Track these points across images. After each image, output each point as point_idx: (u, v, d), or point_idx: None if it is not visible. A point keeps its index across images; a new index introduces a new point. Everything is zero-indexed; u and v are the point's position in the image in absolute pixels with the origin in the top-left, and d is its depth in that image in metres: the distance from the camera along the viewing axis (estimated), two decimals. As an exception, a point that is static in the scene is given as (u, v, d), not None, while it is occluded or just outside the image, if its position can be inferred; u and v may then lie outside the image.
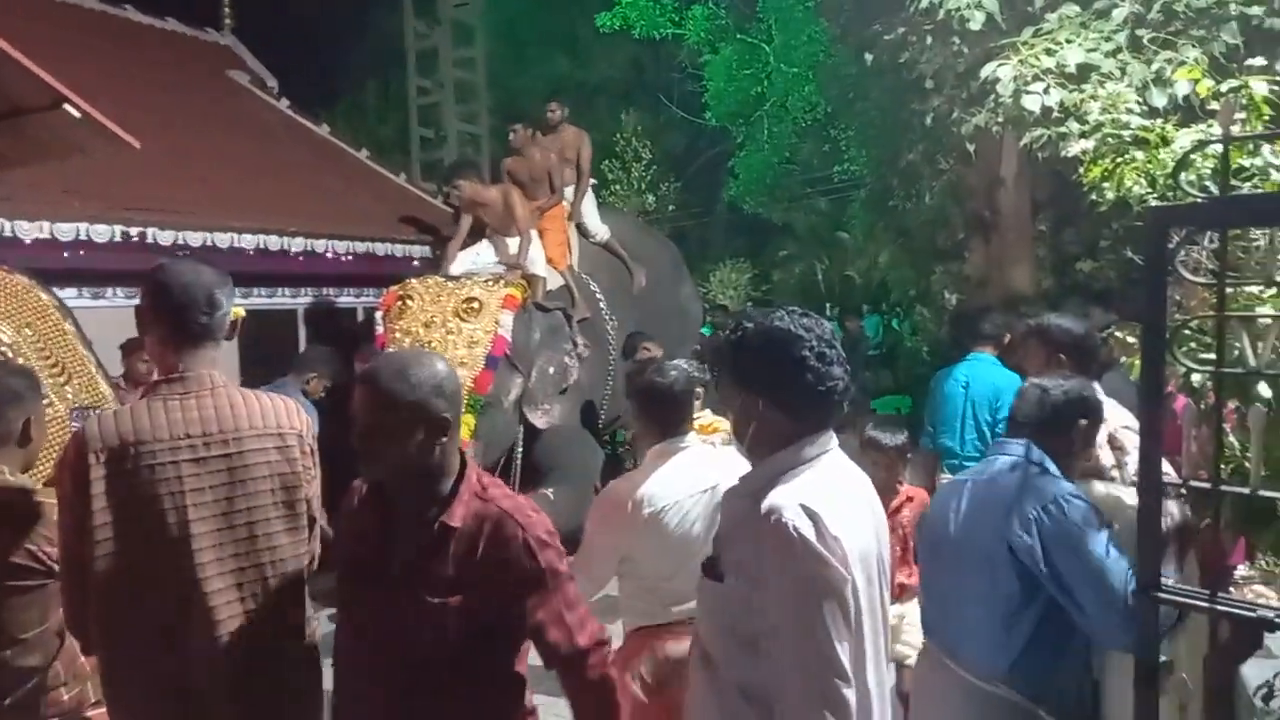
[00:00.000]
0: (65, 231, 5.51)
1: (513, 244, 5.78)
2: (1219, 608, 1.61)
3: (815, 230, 16.24)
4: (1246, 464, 2.02)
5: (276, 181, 7.96)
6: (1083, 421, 2.33)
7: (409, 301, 5.25)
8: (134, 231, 5.80)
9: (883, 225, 10.73)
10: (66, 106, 3.28)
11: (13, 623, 2.19)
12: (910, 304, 11.48)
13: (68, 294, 5.98)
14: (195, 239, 6.16)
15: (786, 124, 14.16)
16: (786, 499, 1.63)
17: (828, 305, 14.82)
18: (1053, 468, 2.23)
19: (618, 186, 17.06)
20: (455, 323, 5.14)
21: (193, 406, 1.94)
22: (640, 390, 2.66)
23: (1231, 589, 3.17)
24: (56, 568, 2.12)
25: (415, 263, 7.89)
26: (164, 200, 6.19)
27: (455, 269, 5.76)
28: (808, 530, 1.59)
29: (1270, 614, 1.57)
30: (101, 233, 5.65)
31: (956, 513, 2.33)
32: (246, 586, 1.95)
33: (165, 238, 5.97)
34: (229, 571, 1.92)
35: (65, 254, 5.57)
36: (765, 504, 1.64)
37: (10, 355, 3.37)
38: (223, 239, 6.36)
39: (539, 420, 5.39)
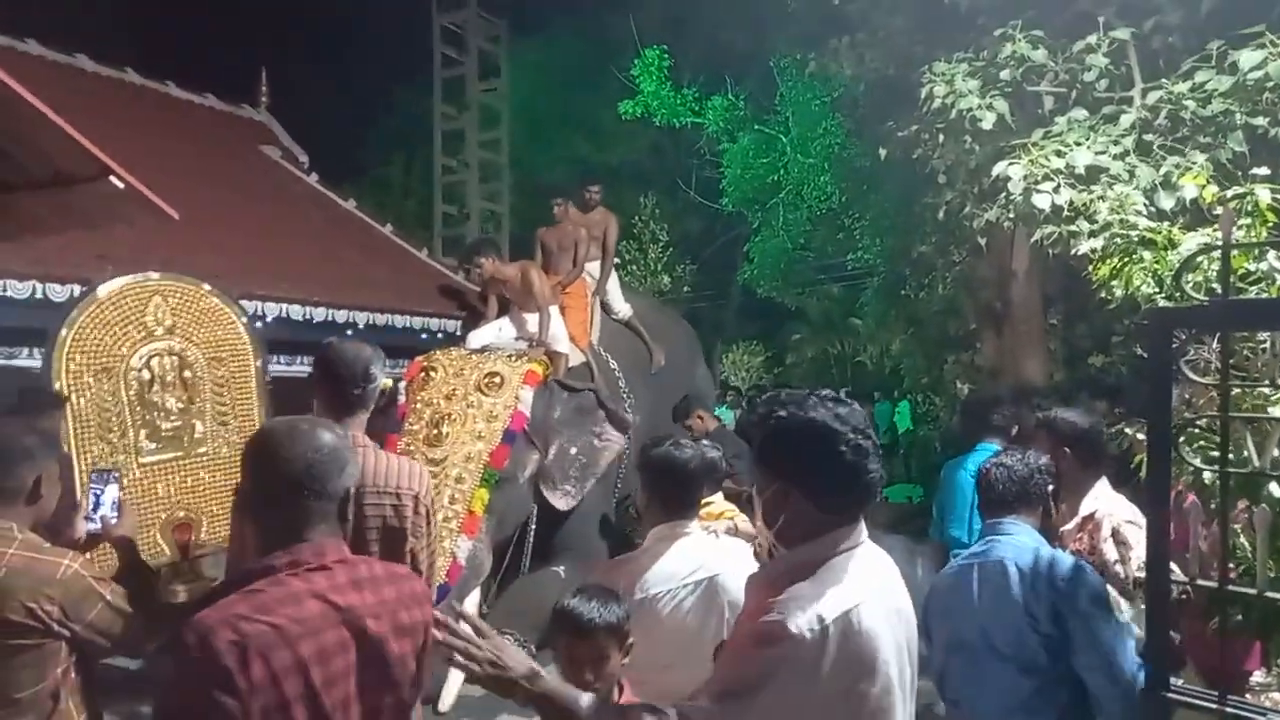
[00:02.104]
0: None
1: (532, 320, 5.89)
2: (1228, 710, 1.62)
3: (828, 316, 16.42)
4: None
5: (302, 252, 8.16)
6: (1051, 488, 2.44)
7: (432, 373, 5.31)
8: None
9: (895, 313, 10.85)
10: (111, 178, 3.42)
11: (9, 682, 2.16)
12: (922, 392, 11.53)
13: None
14: (221, 306, 6.28)
15: (801, 212, 14.43)
16: (802, 601, 1.56)
17: (841, 390, 14.86)
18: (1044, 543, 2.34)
19: (634, 267, 17.34)
20: (476, 396, 5.19)
21: None
22: (653, 464, 2.57)
23: (1247, 695, 3.13)
24: (56, 627, 2.15)
25: (436, 335, 8.02)
26: (193, 267, 6.33)
27: (477, 343, 5.85)
28: (810, 636, 1.52)
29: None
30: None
31: (974, 600, 2.38)
32: None
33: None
34: None
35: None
36: (780, 597, 1.58)
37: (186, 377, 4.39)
38: (247, 306, 6.49)
39: (559, 502, 5.34)
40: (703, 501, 3.05)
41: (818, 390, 1.79)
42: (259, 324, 6.50)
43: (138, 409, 4.75)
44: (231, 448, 5.08)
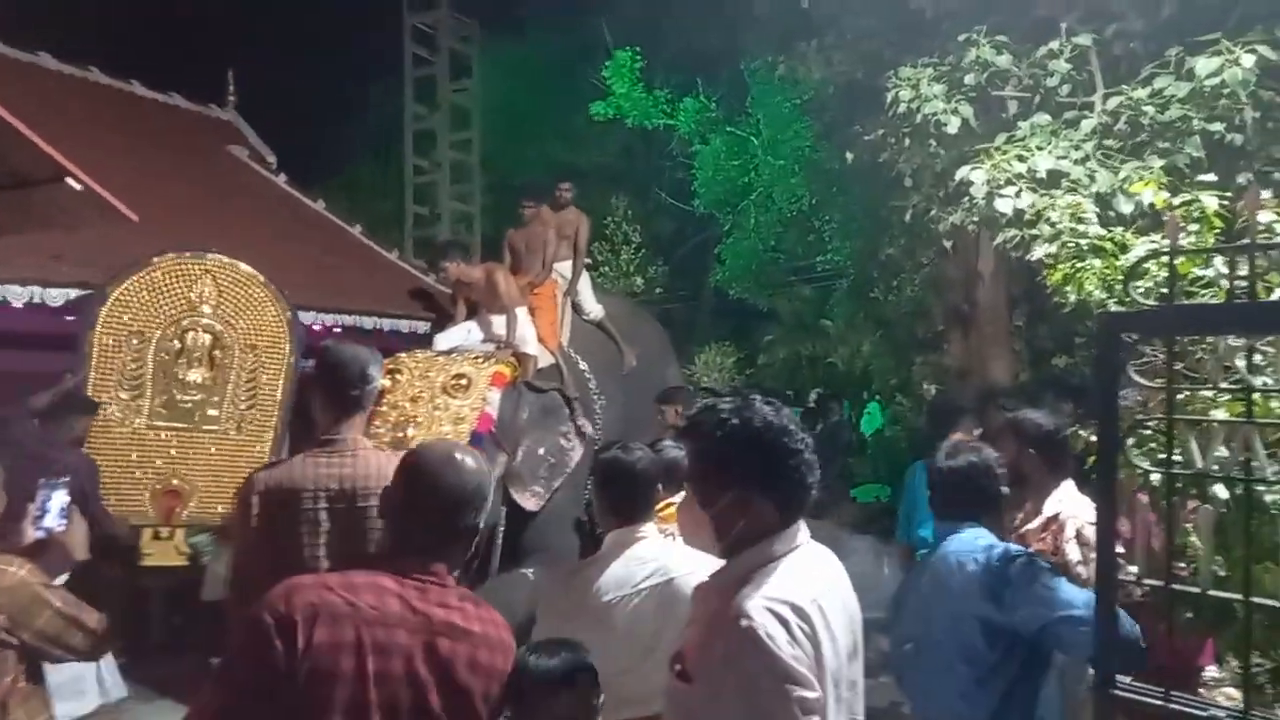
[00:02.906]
0: (54, 297, 5.56)
1: (499, 321, 5.87)
2: (1172, 706, 1.64)
3: (799, 317, 16.48)
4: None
5: (268, 253, 8.05)
6: (1003, 487, 2.53)
7: (398, 376, 5.28)
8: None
9: (863, 315, 10.93)
10: (69, 180, 3.37)
11: None
12: (891, 393, 11.62)
13: (58, 359, 6.05)
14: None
15: (772, 214, 14.48)
16: (757, 601, 1.58)
17: (812, 390, 14.93)
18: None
19: (607, 268, 17.32)
20: (443, 399, 5.16)
21: (336, 464, 2.36)
22: (602, 468, 2.54)
23: (1201, 690, 3.19)
24: (3, 635, 2.16)
25: (405, 337, 7.96)
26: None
27: (445, 344, 5.82)
28: (778, 635, 1.54)
29: (1222, 714, 1.61)
30: (91, 299, 5.69)
31: (923, 598, 2.43)
32: None
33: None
34: None
35: (54, 318, 5.62)
36: (735, 604, 1.59)
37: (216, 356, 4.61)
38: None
39: (528, 503, 5.32)
40: (665, 503, 3.03)
41: (747, 392, 1.81)
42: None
43: (160, 378, 5.04)
44: (243, 432, 5.28)
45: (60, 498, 2.63)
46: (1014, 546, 2.43)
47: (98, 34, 14.50)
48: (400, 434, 5.03)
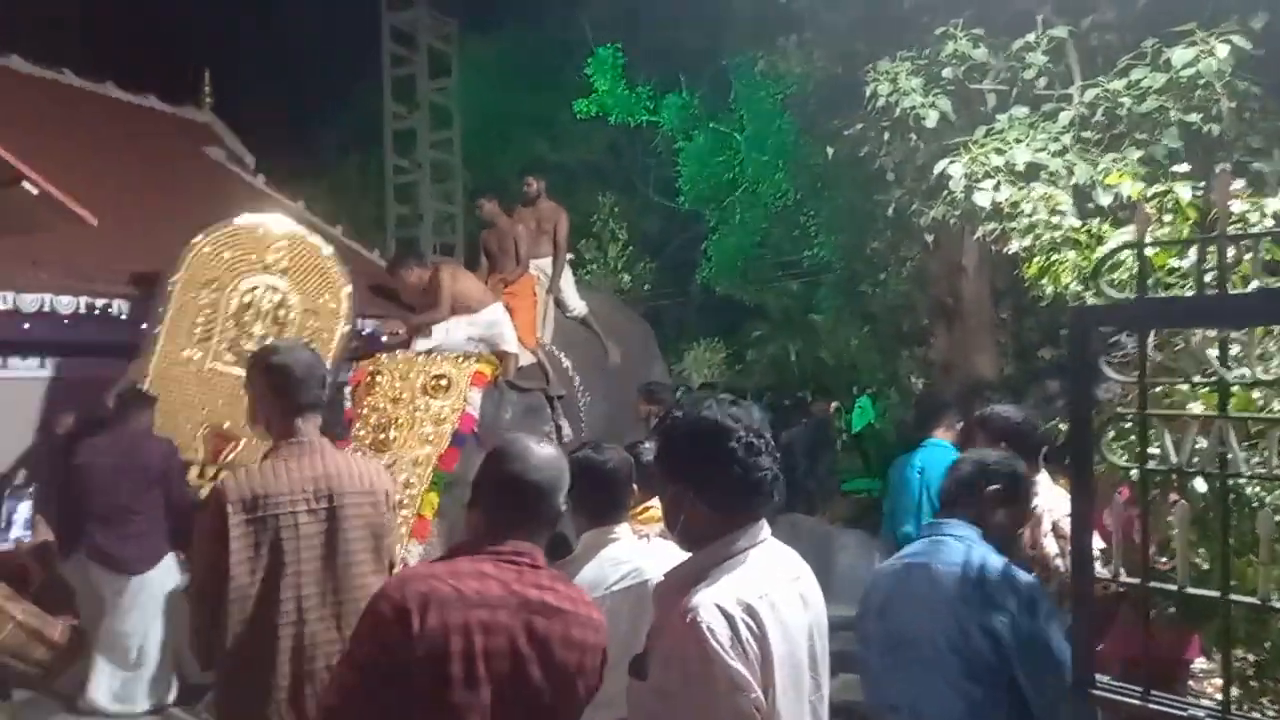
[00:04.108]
0: (29, 303, 5.48)
1: (453, 322, 5.66)
2: (1151, 706, 1.62)
3: (787, 313, 16.47)
4: (1194, 559, 2.06)
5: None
6: (994, 488, 2.41)
7: (378, 377, 5.24)
8: (98, 303, 5.78)
9: (850, 310, 10.92)
10: (25, 184, 3.31)
11: None
12: (880, 387, 11.62)
13: (29, 364, 5.98)
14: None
15: (758, 209, 14.46)
16: (706, 599, 1.61)
17: (802, 386, 14.93)
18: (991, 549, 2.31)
19: (595, 266, 17.27)
20: (423, 399, 5.13)
21: (307, 466, 2.35)
22: (573, 469, 2.54)
23: (1191, 683, 3.17)
24: None
25: (385, 338, 7.88)
26: (127, 271, 6.18)
27: (424, 345, 5.76)
28: (723, 634, 1.57)
29: (1201, 713, 1.58)
30: (66, 304, 5.62)
31: (907, 602, 2.36)
32: (342, 619, 2.31)
33: (130, 310, 5.94)
34: (329, 605, 2.32)
35: (28, 325, 5.55)
36: (685, 602, 1.62)
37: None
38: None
39: None
40: (644, 505, 2.99)
41: (718, 394, 1.88)
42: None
43: (230, 324, 5.54)
44: None
45: (25, 509, 2.59)
46: (993, 560, 2.33)
47: (71, 36, 14.37)
48: (382, 435, 4.99)
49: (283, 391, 2.41)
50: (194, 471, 5.21)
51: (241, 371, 5.16)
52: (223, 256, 5.60)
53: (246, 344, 5.50)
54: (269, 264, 5.69)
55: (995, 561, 2.27)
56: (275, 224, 5.94)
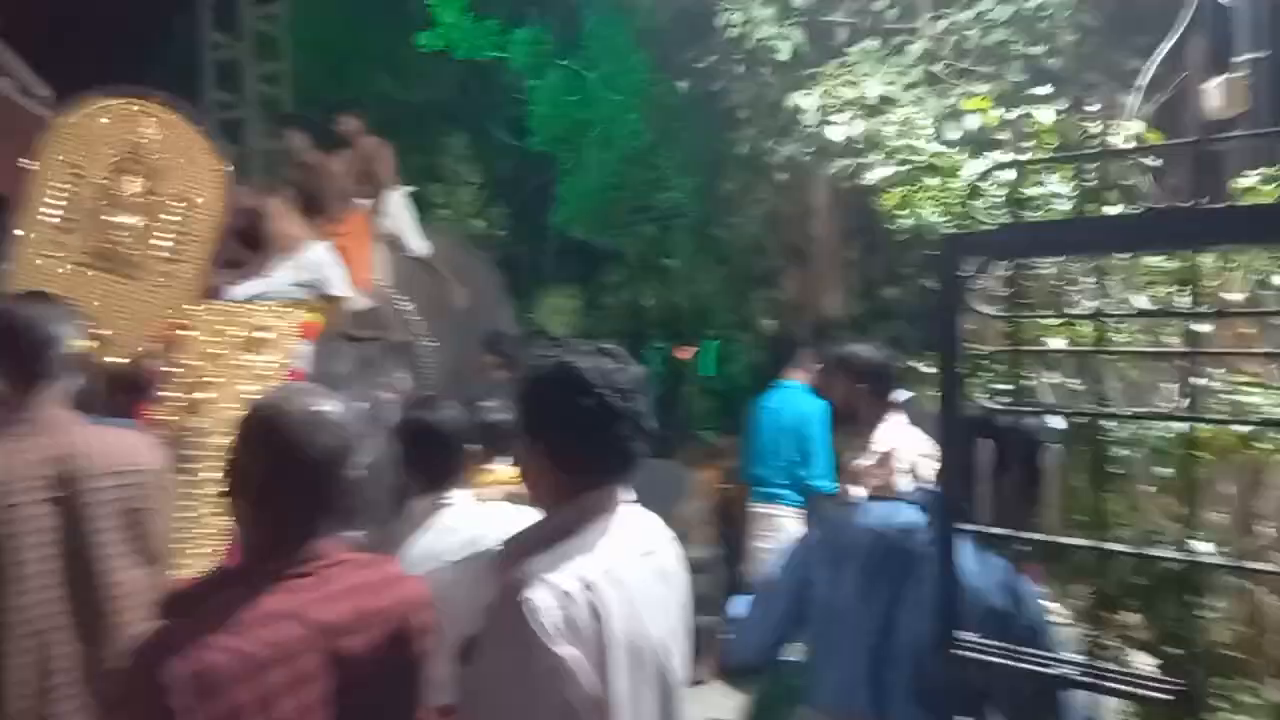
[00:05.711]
0: None
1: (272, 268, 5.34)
2: (1021, 666, 1.51)
3: (644, 257, 16.35)
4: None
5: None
6: None
7: (189, 331, 4.73)
8: None
9: (704, 253, 10.88)
10: None
11: None
12: (732, 331, 11.67)
13: None
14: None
15: (612, 151, 14.16)
16: (537, 574, 1.42)
17: (658, 332, 14.91)
18: None
19: (446, 211, 16.57)
20: (245, 356, 4.68)
21: (45, 446, 2.02)
22: (405, 428, 2.32)
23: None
24: None
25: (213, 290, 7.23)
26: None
27: (243, 295, 5.26)
28: (549, 615, 1.38)
29: (1074, 671, 1.48)
30: None
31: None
32: (90, 626, 2.02)
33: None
34: (72, 611, 2.01)
35: None
36: (515, 576, 1.43)
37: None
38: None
39: None
40: (487, 468, 2.77)
41: (597, 341, 1.63)
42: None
43: (92, 219, 4.77)
44: (170, 282, 4.86)
45: None
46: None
47: None
48: (193, 396, 4.52)
49: (11, 357, 2.09)
50: None
51: (106, 269, 4.68)
52: (85, 140, 4.91)
53: (112, 238, 4.89)
54: (135, 145, 5.00)
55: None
56: (136, 97, 5.23)
